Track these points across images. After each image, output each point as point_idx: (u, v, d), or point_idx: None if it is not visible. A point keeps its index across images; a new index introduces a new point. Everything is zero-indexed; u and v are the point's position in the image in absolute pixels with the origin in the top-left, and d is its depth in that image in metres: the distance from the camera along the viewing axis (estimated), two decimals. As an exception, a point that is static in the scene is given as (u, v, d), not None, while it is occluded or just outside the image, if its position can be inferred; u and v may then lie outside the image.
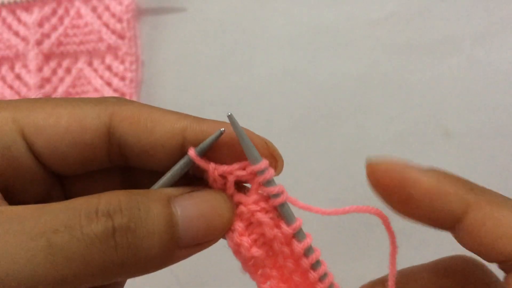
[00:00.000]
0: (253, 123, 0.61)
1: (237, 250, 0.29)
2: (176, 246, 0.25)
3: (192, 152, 0.28)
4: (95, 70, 0.65)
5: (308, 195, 0.59)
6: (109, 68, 0.65)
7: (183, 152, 0.28)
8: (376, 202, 0.64)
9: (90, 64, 0.65)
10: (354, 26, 0.63)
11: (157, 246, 0.25)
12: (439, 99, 0.59)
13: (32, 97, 0.63)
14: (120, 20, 0.65)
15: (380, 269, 0.59)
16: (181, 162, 0.28)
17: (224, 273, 0.56)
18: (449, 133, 0.58)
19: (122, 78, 0.64)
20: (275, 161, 0.30)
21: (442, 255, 0.60)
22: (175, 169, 0.28)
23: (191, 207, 0.26)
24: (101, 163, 0.30)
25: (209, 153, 0.28)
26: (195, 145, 0.28)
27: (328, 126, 0.60)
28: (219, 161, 0.29)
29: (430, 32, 0.61)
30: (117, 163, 0.30)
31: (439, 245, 0.57)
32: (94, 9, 0.65)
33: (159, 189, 0.28)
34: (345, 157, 0.59)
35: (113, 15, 0.65)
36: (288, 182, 0.64)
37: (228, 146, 0.29)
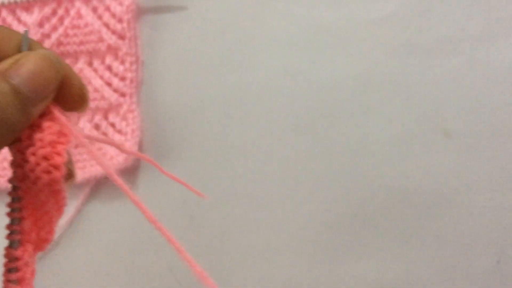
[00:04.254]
0: (253, 123, 0.61)
1: None
2: (27, 105, 0.30)
3: None
4: (95, 70, 0.65)
5: (308, 195, 0.59)
6: (109, 68, 0.65)
7: None
8: (379, 203, 0.64)
9: (90, 64, 0.65)
10: (354, 26, 0.63)
11: (14, 111, 0.29)
12: (439, 99, 0.59)
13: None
14: (120, 21, 0.65)
15: (380, 269, 0.59)
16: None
17: (224, 274, 0.56)
18: (449, 133, 0.58)
19: (122, 78, 0.64)
20: (84, 102, 0.34)
21: (442, 256, 0.60)
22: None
23: (24, 71, 0.30)
24: None
25: None
26: None
27: (328, 126, 0.60)
28: None
29: (430, 32, 0.61)
30: None
31: (440, 246, 0.57)
32: (94, 10, 0.65)
33: None
34: (345, 157, 0.59)
35: (114, 16, 0.65)
36: (288, 182, 0.64)
37: None
